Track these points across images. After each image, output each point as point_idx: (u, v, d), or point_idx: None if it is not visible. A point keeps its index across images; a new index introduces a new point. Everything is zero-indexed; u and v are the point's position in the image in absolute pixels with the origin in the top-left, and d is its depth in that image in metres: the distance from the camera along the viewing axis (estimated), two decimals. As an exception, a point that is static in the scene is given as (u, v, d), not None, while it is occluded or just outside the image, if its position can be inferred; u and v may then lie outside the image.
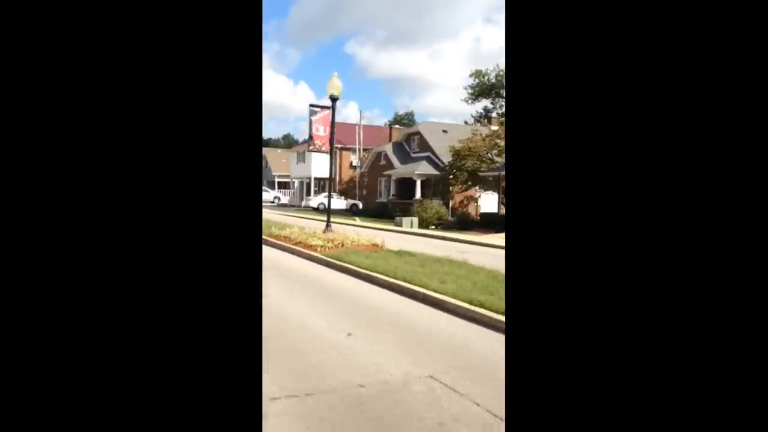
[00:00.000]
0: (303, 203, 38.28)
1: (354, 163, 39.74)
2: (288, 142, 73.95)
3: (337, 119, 15.84)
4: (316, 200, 35.02)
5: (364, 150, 37.94)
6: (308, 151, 38.38)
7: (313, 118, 30.03)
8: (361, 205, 34.13)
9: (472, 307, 5.50)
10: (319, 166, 39.51)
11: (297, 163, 44.08)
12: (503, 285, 5.66)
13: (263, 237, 11.63)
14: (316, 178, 40.83)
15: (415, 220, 21.93)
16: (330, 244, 10.44)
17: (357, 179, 38.06)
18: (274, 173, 52.15)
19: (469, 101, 51.52)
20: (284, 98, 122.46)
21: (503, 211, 21.82)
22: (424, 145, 30.22)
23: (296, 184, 52.43)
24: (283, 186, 52.88)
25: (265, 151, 56.60)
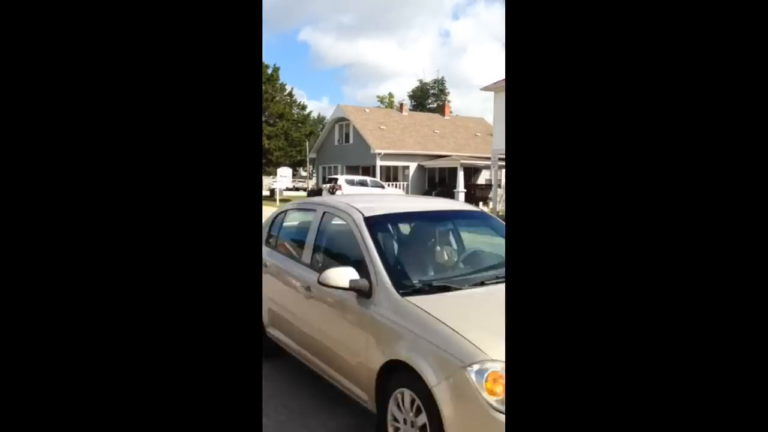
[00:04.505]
0: None
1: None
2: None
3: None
4: None
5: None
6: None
7: None
8: None
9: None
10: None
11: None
12: None
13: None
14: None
15: None
16: None
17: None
18: (375, 150, 27.23)
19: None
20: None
21: None
22: None
23: (411, 171, 28.03)
24: (371, 173, 28.26)
25: (348, 109, 31.12)
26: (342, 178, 23.70)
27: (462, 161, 25.61)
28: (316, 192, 31.14)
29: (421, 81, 47.74)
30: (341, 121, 30.57)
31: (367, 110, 32.14)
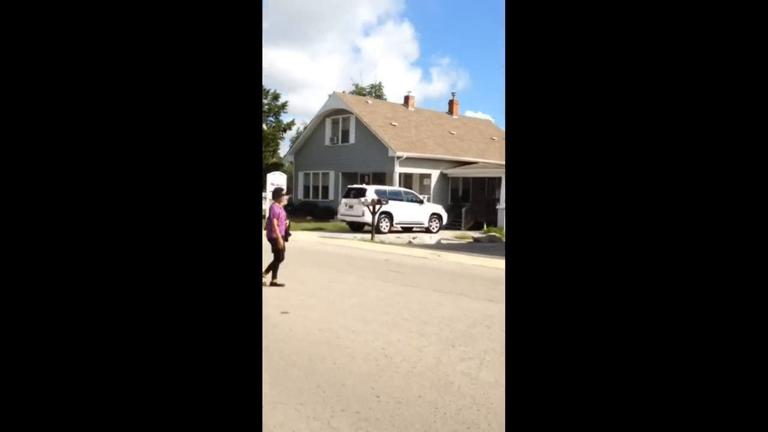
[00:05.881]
0: None
1: None
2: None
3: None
4: None
5: None
6: None
7: None
8: None
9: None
10: None
11: None
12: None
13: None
14: None
15: None
16: None
17: None
18: (396, 153, 20.53)
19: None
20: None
21: None
22: None
23: (433, 180, 22.10)
24: (392, 182, 21.75)
25: (349, 99, 24.01)
26: (370, 189, 16.99)
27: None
28: (299, 208, 23.97)
29: (356, 86, 41.92)
30: (337, 114, 23.54)
31: (369, 101, 25.35)
